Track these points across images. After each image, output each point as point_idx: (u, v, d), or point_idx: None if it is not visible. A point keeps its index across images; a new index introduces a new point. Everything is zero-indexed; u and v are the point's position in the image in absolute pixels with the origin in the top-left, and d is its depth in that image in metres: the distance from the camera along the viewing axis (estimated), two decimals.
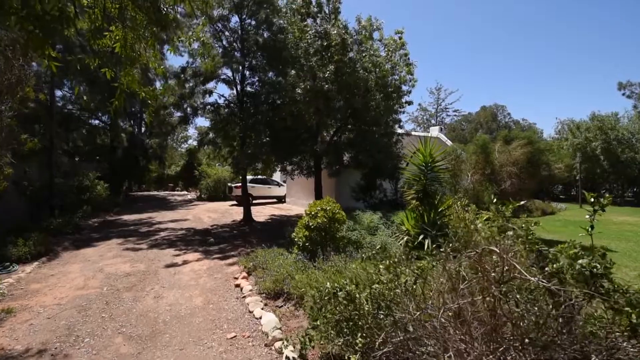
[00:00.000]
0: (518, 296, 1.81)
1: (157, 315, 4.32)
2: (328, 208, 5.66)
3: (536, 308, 1.85)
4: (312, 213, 5.67)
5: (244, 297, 4.88)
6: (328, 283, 2.18)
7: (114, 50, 3.01)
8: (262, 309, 4.38)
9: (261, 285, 5.03)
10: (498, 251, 1.88)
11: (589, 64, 61.07)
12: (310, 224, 5.54)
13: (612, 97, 65.77)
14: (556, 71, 64.95)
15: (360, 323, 2.21)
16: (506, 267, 1.88)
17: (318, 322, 2.04)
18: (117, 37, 2.86)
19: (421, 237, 5.99)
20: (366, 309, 2.05)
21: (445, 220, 6.36)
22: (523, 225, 2.12)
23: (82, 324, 4.09)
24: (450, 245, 2.20)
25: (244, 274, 5.83)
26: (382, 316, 2.15)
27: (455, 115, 43.23)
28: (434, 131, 22.98)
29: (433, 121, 40.45)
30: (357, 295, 2.05)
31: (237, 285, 5.36)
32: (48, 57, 2.28)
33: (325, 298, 2.26)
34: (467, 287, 2.10)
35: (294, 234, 5.91)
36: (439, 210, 6.35)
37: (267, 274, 5.22)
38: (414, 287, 1.93)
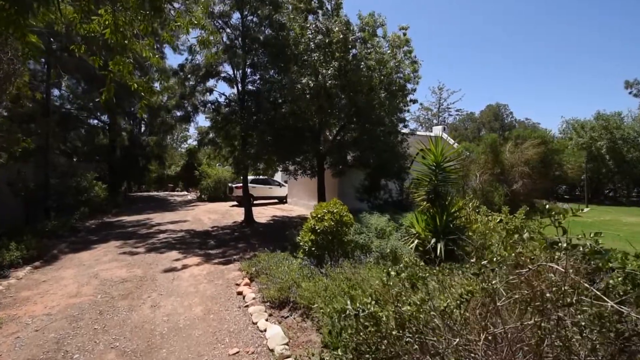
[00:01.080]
0: (583, 323, 1.50)
1: (154, 327, 4.02)
2: (335, 210, 5.36)
3: (599, 335, 1.54)
4: (319, 216, 5.36)
5: (247, 306, 4.57)
6: (349, 302, 1.88)
7: (104, 38, 2.71)
8: (267, 320, 4.07)
9: (265, 293, 4.72)
10: (562, 269, 1.57)
11: (590, 63, 60.77)
12: (317, 228, 5.23)
13: (614, 96, 65.19)
14: (557, 70, 64.65)
15: (382, 347, 1.91)
16: (565, 287, 1.57)
17: (339, 352, 1.74)
18: (107, 22, 2.55)
19: (433, 240, 5.69)
20: (394, 333, 1.74)
21: (457, 223, 6.06)
22: (579, 236, 1.81)
23: (73, 337, 3.79)
24: (495, 260, 1.88)
25: (246, 280, 5.52)
26: (408, 339, 1.84)
27: (457, 114, 42.96)
28: (437, 130, 22.65)
29: (435, 121, 40.12)
30: (384, 319, 1.75)
31: (240, 293, 5.05)
32: (24, 40, 1.96)
33: (343, 316, 1.95)
34: (514, 309, 1.79)
35: (299, 237, 5.61)
36: (451, 212, 6.06)
37: (271, 281, 4.91)
38: (454, 311, 1.63)
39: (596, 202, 23.92)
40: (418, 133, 19.51)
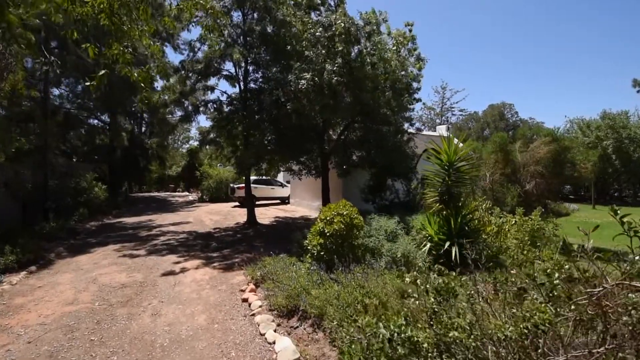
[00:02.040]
0: None
1: (155, 338, 3.75)
2: (345, 213, 5.09)
3: None
4: (328, 218, 5.09)
5: (253, 314, 4.30)
6: (382, 327, 1.61)
7: (100, 25, 2.44)
8: (275, 330, 3.81)
9: (272, 300, 4.46)
10: None
11: (591, 62, 60.47)
12: (326, 231, 4.96)
13: (613, 96, 64.67)
14: (558, 70, 64.34)
15: None
16: None
17: None
18: (102, 6, 2.30)
19: (447, 244, 5.42)
20: None
21: (472, 225, 5.79)
22: None
23: (68, 349, 3.53)
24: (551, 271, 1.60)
25: (252, 285, 5.25)
26: None
27: (461, 114, 42.62)
28: (441, 130, 22.37)
29: (438, 120, 39.81)
30: (426, 345, 1.48)
31: (245, 300, 4.79)
32: (3, 20, 1.70)
33: (372, 342, 1.68)
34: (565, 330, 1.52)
35: (307, 241, 5.34)
36: (465, 214, 5.79)
37: (278, 287, 4.65)
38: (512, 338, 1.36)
39: (602, 202, 23.61)
40: (423, 133, 19.25)
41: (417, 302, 2.11)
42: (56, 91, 16.72)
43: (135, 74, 2.44)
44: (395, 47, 11.02)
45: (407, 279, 2.89)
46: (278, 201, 19.58)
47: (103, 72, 2.22)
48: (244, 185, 14.57)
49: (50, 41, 12.15)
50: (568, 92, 65.25)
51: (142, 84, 2.52)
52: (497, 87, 68.03)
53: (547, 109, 69.70)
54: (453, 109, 40.94)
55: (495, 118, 40.05)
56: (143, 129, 24.17)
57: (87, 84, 2.49)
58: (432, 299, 2.01)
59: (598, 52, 59.65)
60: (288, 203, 19.41)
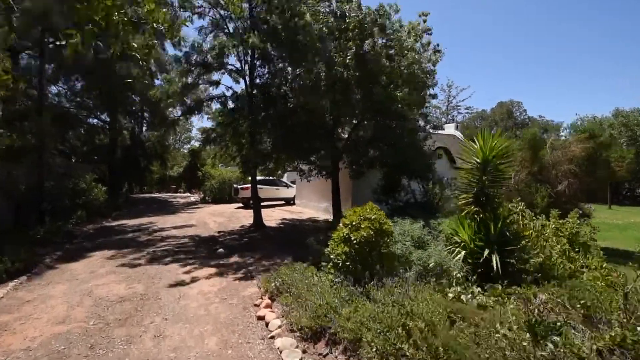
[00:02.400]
0: None
1: None
2: (373, 217, 4.49)
3: None
4: (354, 224, 4.49)
5: (272, 336, 3.71)
6: None
7: None
8: (302, 359, 3.21)
9: (292, 318, 3.86)
10: None
11: (592, 62, 59.93)
12: (352, 238, 4.36)
13: (615, 95, 64.00)
14: (558, 70, 63.78)
15: None
16: None
17: None
18: None
19: (486, 252, 4.81)
20: None
21: (513, 231, 5.19)
22: None
23: None
24: None
25: (267, 300, 4.66)
26: None
27: (467, 112, 41.90)
28: (450, 129, 21.74)
29: (444, 119, 39.15)
30: None
31: (261, 318, 4.19)
32: None
33: None
34: None
35: (329, 249, 4.74)
36: (505, 217, 5.19)
37: (298, 303, 4.05)
38: None
39: (615, 202, 22.96)
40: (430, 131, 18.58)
41: (506, 339, 1.52)
42: (54, 89, 16.17)
43: (134, 45, 1.84)
44: (412, 39, 10.41)
45: (449, 295, 2.29)
46: (283, 202, 18.99)
47: (91, 28, 1.62)
48: (248, 185, 14.01)
49: (47, 38, 11.57)
50: (569, 92, 64.78)
51: (141, 62, 1.92)
52: (500, 86, 67.61)
53: (549, 108, 69.18)
54: (459, 107, 40.31)
55: (504, 116, 39.35)
56: (144, 128, 23.63)
57: (64, 42, 1.88)
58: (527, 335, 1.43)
59: (599, 52, 59.12)
60: (293, 204, 18.82)
